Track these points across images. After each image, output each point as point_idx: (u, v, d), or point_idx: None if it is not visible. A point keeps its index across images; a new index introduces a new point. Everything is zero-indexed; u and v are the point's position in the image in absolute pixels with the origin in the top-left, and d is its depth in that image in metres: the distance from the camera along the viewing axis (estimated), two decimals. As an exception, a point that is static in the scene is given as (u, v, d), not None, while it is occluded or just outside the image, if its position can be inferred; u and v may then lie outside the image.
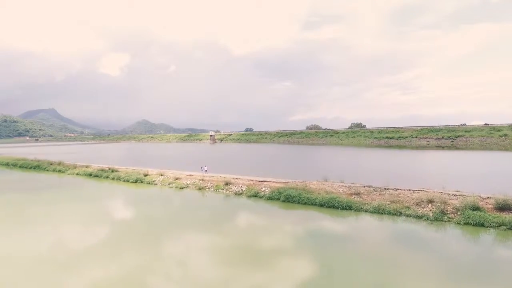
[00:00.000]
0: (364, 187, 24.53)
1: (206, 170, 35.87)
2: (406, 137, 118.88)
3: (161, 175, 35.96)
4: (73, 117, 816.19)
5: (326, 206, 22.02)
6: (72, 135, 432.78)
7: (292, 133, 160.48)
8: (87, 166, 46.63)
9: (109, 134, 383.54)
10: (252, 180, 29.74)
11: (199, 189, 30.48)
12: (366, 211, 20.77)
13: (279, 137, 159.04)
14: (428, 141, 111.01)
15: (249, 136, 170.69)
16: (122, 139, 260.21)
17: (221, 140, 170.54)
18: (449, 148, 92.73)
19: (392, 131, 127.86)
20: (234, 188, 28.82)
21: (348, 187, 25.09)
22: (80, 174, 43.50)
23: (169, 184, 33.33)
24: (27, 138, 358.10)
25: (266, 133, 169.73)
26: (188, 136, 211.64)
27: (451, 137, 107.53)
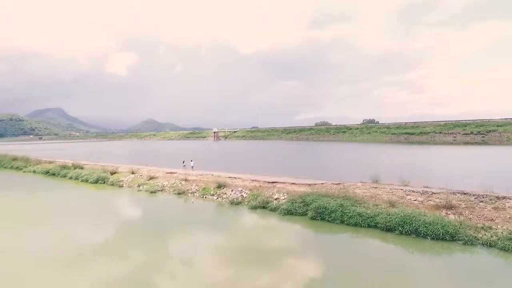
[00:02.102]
0: (455, 193, 13.96)
1: (192, 167, 25.74)
2: (429, 132, 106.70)
3: (132, 173, 25.98)
4: (80, 116, 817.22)
5: (400, 232, 11.56)
6: (77, 134, 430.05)
7: (300, 130, 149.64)
8: (50, 162, 37.08)
9: (113, 133, 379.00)
10: (258, 181, 19.44)
11: (179, 193, 20.31)
12: (489, 245, 10.27)
13: (287, 133, 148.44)
14: (454, 137, 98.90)
15: (255, 133, 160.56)
16: (125, 137, 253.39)
17: (226, 137, 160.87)
18: (480, 144, 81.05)
19: (412, 127, 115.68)
20: (230, 193, 18.57)
21: (423, 193, 14.56)
22: (37, 172, 34.04)
23: (139, 185, 23.30)
24: (31, 136, 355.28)
25: (273, 130, 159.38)
26: (191, 133, 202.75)
27: (481, 132, 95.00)
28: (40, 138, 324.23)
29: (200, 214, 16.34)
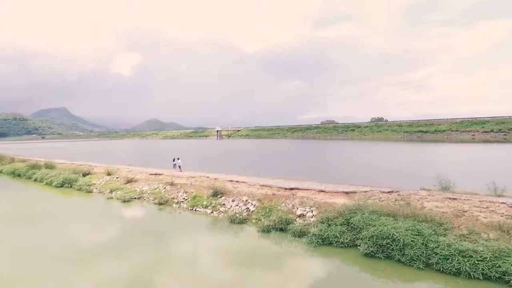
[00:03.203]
0: None
1: (179, 166, 20.18)
2: (444, 130, 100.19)
3: (108, 175, 20.51)
4: (84, 116, 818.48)
5: None
6: (81, 133, 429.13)
7: (307, 128, 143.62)
8: (23, 161, 31.83)
9: (116, 132, 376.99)
10: (270, 187, 13.76)
11: (160, 203, 14.74)
12: None
13: (292, 132, 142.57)
14: (473, 135, 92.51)
15: (260, 132, 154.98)
16: (126, 136, 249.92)
17: (229, 136, 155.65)
18: (502, 142, 74.64)
19: (426, 124, 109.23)
20: (230, 205, 12.94)
21: (550, 211, 8.79)
22: (4, 172, 28.91)
23: (111, 191, 17.76)
24: (34, 136, 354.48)
25: (278, 128, 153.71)
26: (193, 132, 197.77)
27: (503, 130, 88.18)
28: (43, 138, 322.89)
29: (181, 240, 10.70)
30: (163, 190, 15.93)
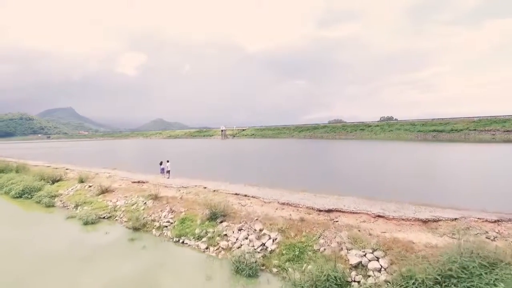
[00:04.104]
0: None
1: (168, 172, 15.65)
2: (461, 129, 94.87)
3: (81, 182, 16.11)
4: (90, 115, 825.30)
5: None
6: (85, 133, 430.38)
7: (314, 127, 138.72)
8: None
9: (120, 132, 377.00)
10: (296, 207, 9.16)
11: (134, 228, 10.25)
12: None
13: (300, 131, 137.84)
14: (493, 134, 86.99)
15: (265, 131, 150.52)
16: (130, 136, 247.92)
17: (234, 136, 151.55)
18: (526, 143, 68.83)
19: (441, 123, 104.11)
20: (235, 237, 8.41)
21: None
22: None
23: (76, 205, 13.34)
24: (39, 136, 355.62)
25: (284, 128, 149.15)
26: (198, 132, 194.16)
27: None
28: (48, 137, 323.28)
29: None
30: (142, 207, 11.42)
